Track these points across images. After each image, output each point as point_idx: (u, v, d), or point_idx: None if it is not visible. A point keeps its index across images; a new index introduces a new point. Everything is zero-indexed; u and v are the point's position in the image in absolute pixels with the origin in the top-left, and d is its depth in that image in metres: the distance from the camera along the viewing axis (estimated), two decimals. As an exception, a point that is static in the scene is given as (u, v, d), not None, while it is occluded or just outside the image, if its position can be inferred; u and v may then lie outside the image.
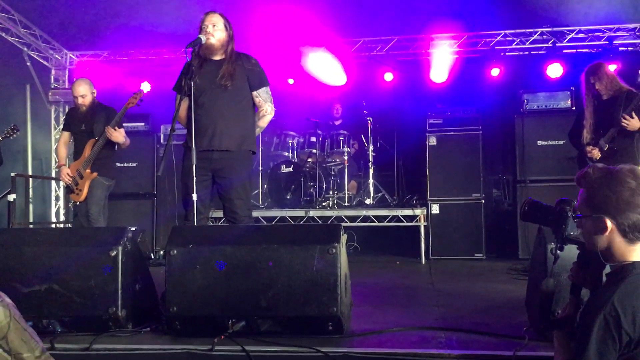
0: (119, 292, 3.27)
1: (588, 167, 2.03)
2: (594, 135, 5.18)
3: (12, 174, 6.92)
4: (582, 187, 2.04)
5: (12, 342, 1.30)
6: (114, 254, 3.30)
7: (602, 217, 1.93)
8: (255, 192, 8.12)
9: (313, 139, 7.99)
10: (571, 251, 2.23)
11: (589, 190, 2.00)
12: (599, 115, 5.19)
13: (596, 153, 5.11)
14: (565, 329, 2.12)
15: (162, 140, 7.93)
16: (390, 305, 4.25)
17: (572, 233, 2.20)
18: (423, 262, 6.84)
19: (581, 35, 8.09)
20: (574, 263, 2.19)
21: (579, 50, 8.20)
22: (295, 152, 8.13)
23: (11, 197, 6.71)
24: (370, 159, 7.91)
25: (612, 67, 6.38)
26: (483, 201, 7.17)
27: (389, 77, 8.73)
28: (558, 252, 2.25)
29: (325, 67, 8.55)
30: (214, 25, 4.12)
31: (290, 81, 8.96)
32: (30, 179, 7.93)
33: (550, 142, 7.05)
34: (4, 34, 7.95)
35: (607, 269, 2.03)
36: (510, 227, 7.35)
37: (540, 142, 7.11)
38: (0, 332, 1.55)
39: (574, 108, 7.04)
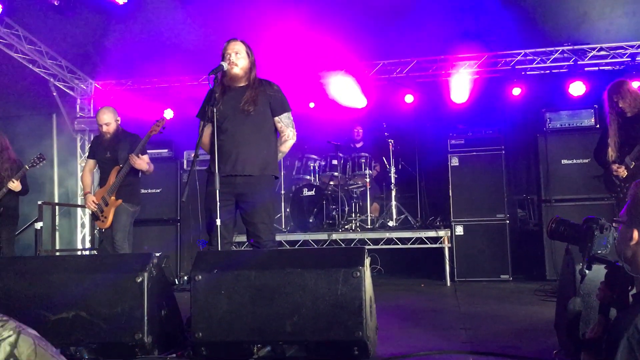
0: (145, 318, 3.28)
1: None
2: (619, 154, 5.12)
3: (39, 202, 7.04)
4: (632, 196, 2.04)
5: None
6: (139, 280, 3.32)
7: (632, 227, 1.92)
8: (278, 215, 8.13)
9: (334, 161, 8.00)
10: (600, 271, 2.20)
11: (633, 199, 2.00)
12: (623, 132, 5.12)
13: (622, 171, 5.03)
14: (593, 349, 2.07)
15: (185, 166, 8.02)
16: (416, 329, 4.20)
17: (599, 252, 2.18)
18: (448, 285, 6.77)
19: (603, 52, 8.03)
20: (601, 282, 2.16)
21: (601, 67, 8.13)
22: (317, 175, 8.14)
23: (38, 225, 6.81)
24: (392, 180, 7.90)
25: (635, 84, 6.31)
26: (508, 221, 7.09)
27: (409, 98, 8.75)
28: (585, 270, 2.22)
29: (345, 91, 8.60)
30: (237, 54, 4.17)
31: (311, 105, 9.01)
32: (57, 207, 8.04)
33: (574, 161, 6.97)
34: (31, 66, 8.15)
35: (634, 290, 2.00)
36: (537, 247, 7.24)
37: (564, 161, 7.03)
38: None
39: (597, 126, 6.97)
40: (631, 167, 5.01)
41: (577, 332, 2.37)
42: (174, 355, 3.38)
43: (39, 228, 6.80)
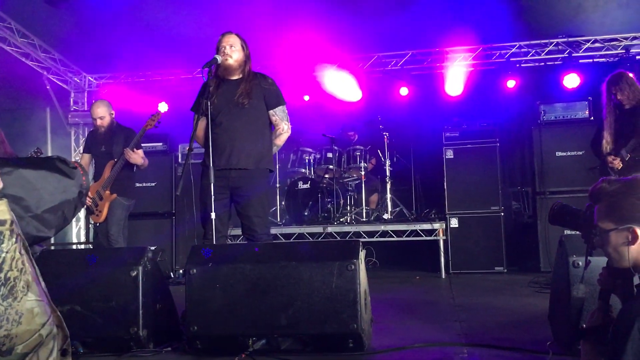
0: (140, 312, 3.27)
1: (601, 181, 2.00)
2: (615, 145, 5.14)
3: (34, 196, 7.01)
4: (599, 202, 2.00)
5: None
6: (134, 274, 3.32)
7: (632, 227, 1.89)
8: (273, 209, 8.12)
9: (329, 154, 7.98)
10: (597, 261, 2.19)
11: (610, 202, 1.95)
12: (620, 125, 5.14)
13: (617, 163, 5.05)
14: (593, 338, 2.06)
15: (179, 160, 7.99)
16: (411, 321, 4.22)
17: None
18: (443, 277, 6.79)
19: (597, 44, 8.05)
20: (603, 268, 2.14)
21: (595, 60, 8.16)
22: (312, 168, 8.12)
23: (33, 219, 6.79)
24: (387, 173, 7.89)
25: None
26: (502, 214, 7.11)
27: (404, 91, 8.73)
28: (589, 258, 2.19)
29: (340, 84, 8.58)
30: (232, 46, 4.16)
31: (306, 98, 8.99)
32: (51, 201, 8.01)
33: (569, 153, 6.99)
34: (24, 59, 8.11)
35: (637, 280, 1.98)
36: (531, 239, 7.26)
37: (558, 153, 7.05)
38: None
39: (592, 118, 7.00)
40: (626, 159, 5.03)
41: (579, 319, 2.34)
42: (169, 348, 3.38)
43: (33, 222, 6.78)
